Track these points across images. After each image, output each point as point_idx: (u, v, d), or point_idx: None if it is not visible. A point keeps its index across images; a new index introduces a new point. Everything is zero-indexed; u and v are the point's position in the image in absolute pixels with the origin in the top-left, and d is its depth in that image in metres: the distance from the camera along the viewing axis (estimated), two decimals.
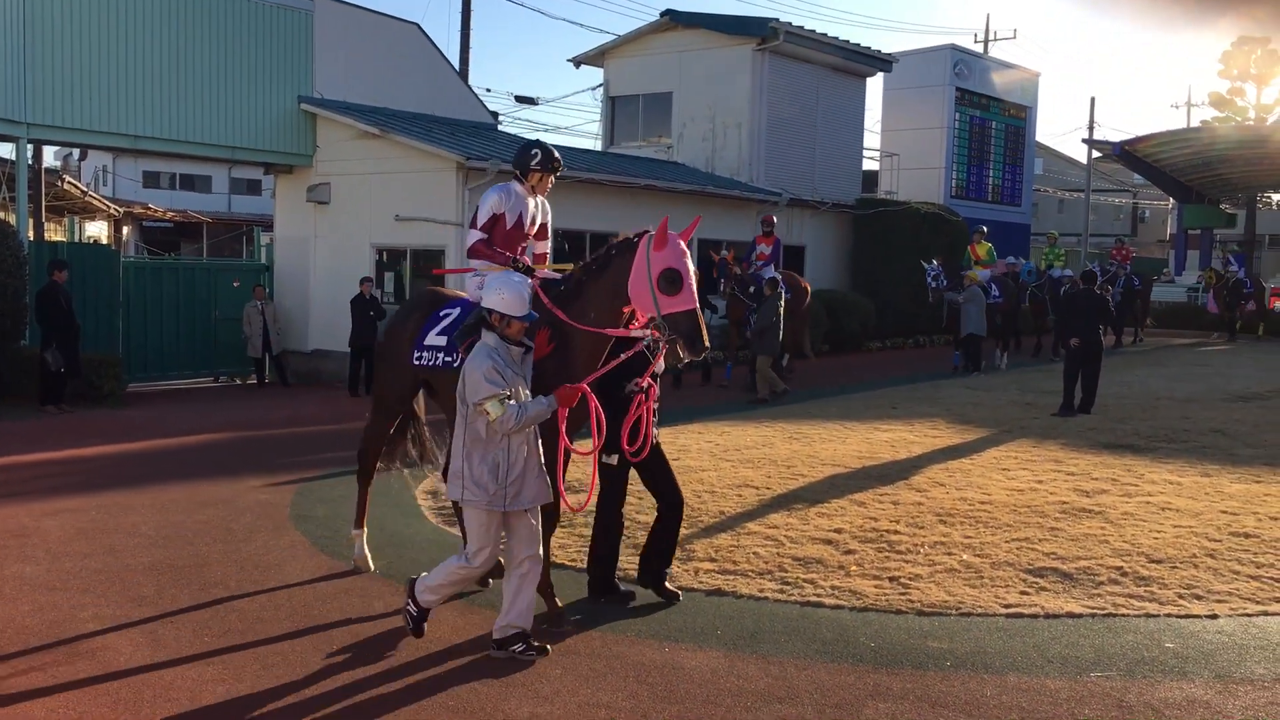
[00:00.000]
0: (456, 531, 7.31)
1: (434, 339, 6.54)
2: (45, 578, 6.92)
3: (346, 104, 19.10)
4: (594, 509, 6.66)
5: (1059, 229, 41.31)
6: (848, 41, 25.72)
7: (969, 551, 7.59)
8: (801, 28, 24.33)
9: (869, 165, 29.79)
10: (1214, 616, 6.32)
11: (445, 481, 7.15)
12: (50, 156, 35.63)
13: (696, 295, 5.62)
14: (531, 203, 6.69)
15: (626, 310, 5.83)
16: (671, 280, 5.54)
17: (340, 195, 18.83)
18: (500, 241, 6.56)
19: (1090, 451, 11.48)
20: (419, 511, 8.89)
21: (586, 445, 5.80)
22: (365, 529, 7.28)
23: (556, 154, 6.65)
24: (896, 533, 8.05)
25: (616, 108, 26.18)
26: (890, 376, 19.07)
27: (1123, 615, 6.33)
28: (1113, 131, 55.68)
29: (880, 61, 26.87)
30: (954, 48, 30.58)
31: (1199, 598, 6.63)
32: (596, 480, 6.14)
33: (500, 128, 23.84)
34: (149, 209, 36.13)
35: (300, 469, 10.69)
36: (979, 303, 18.97)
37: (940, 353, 22.38)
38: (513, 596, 5.59)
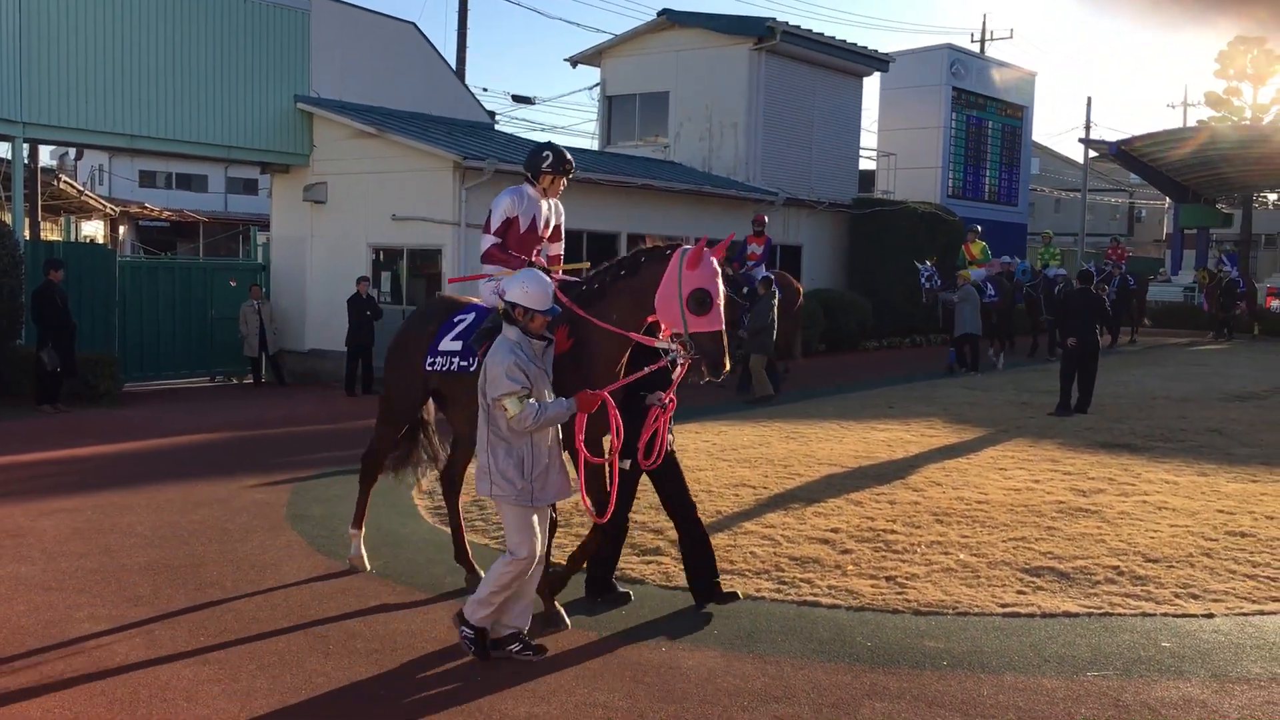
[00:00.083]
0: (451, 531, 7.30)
1: (448, 344, 6.47)
2: (41, 578, 6.91)
3: (343, 103, 19.09)
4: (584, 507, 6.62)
5: (1055, 229, 41.37)
6: (844, 41, 25.73)
7: (966, 551, 7.59)
8: (798, 27, 24.34)
9: (866, 165, 29.83)
10: (1210, 616, 6.32)
11: (443, 480, 7.15)
12: (46, 156, 35.55)
13: (724, 318, 5.58)
14: (544, 205, 6.61)
15: (650, 320, 5.76)
16: (701, 301, 5.48)
17: (337, 195, 18.82)
18: (514, 246, 6.49)
19: (1087, 451, 11.49)
20: (415, 511, 8.89)
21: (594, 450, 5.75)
22: (364, 529, 7.25)
23: (568, 156, 6.57)
24: (893, 532, 8.05)
25: (613, 107, 26.18)
26: (887, 376, 19.08)
27: (1119, 615, 6.34)
28: (1109, 131, 55.78)
29: (877, 61, 26.89)
30: (951, 47, 30.61)
31: (1195, 597, 6.64)
32: (616, 488, 5.93)
33: (497, 127, 23.83)
34: (145, 208, 36.09)
35: (297, 468, 10.68)
36: (973, 302, 18.98)
37: (937, 352, 22.38)
38: (490, 586, 5.56)
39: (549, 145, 6.68)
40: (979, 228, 22.90)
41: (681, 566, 7.10)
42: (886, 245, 25.00)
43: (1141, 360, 22.23)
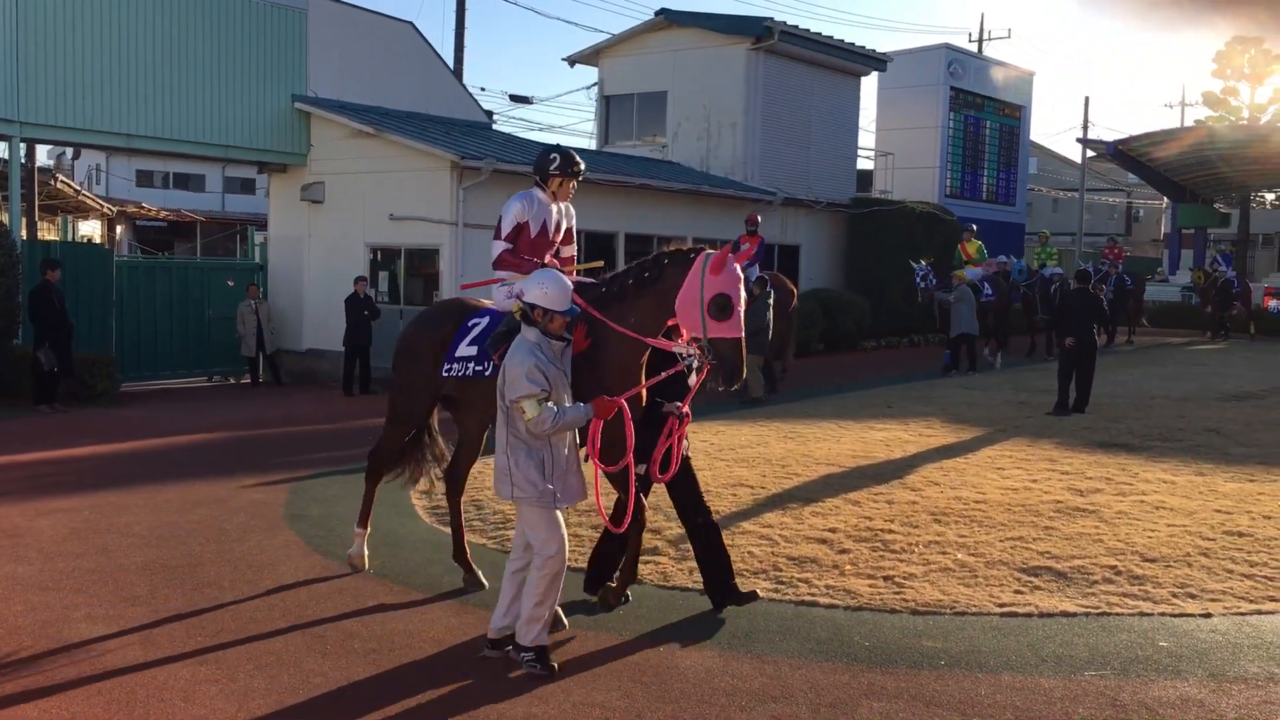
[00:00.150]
0: (450, 532, 7.29)
1: (465, 349, 6.41)
2: (38, 578, 6.90)
3: (341, 103, 19.08)
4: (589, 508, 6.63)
5: (1053, 228, 41.38)
6: (843, 41, 25.73)
7: (963, 551, 7.59)
8: (796, 27, 24.34)
9: (864, 164, 29.84)
10: (1208, 615, 6.33)
11: (446, 480, 7.11)
12: (43, 155, 35.52)
13: (743, 325, 5.54)
14: (554, 209, 6.56)
15: (670, 323, 5.72)
16: (723, 307, 5.44)
17: (334, 194, 18.81)
18: (526, 251, 6.44)
19: (1085, 450, 11.50)
20: (413, 511, 8.88)
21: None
22: (368, 529, 7.23)
23: (577, 158, 6.53)
24: (891, 532, 8.05)
25: (611, 107, 26.17)
26: (885, 376, 19.09)
27: (1117, 614, 6.34)
28: (1107, 131, 55.85)
29: (875, 61, 26.89)
30: (948, 47, 30.62)
31: (1193, 597, 6.64)
32: (633, 498, 5.82)
33: (495, 127, 23.84)
34: (142, 208, 36.04)
35: (294, 468, 10.67)
36: (969, 302, 18.98)
37: (935, 352, 22.38)
38: (511, 598, 5.56)
39: (557, 148, 6.63)
40: (974, 227, 22.92)
41: (680, 567, 7.11)
42: (884, 245, 25.02)
43: (1139, 360, 22.24)
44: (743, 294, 5.55)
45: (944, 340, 20.28)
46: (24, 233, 19.26)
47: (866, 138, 31.47)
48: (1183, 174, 34.02)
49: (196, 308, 18.72)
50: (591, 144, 27.19)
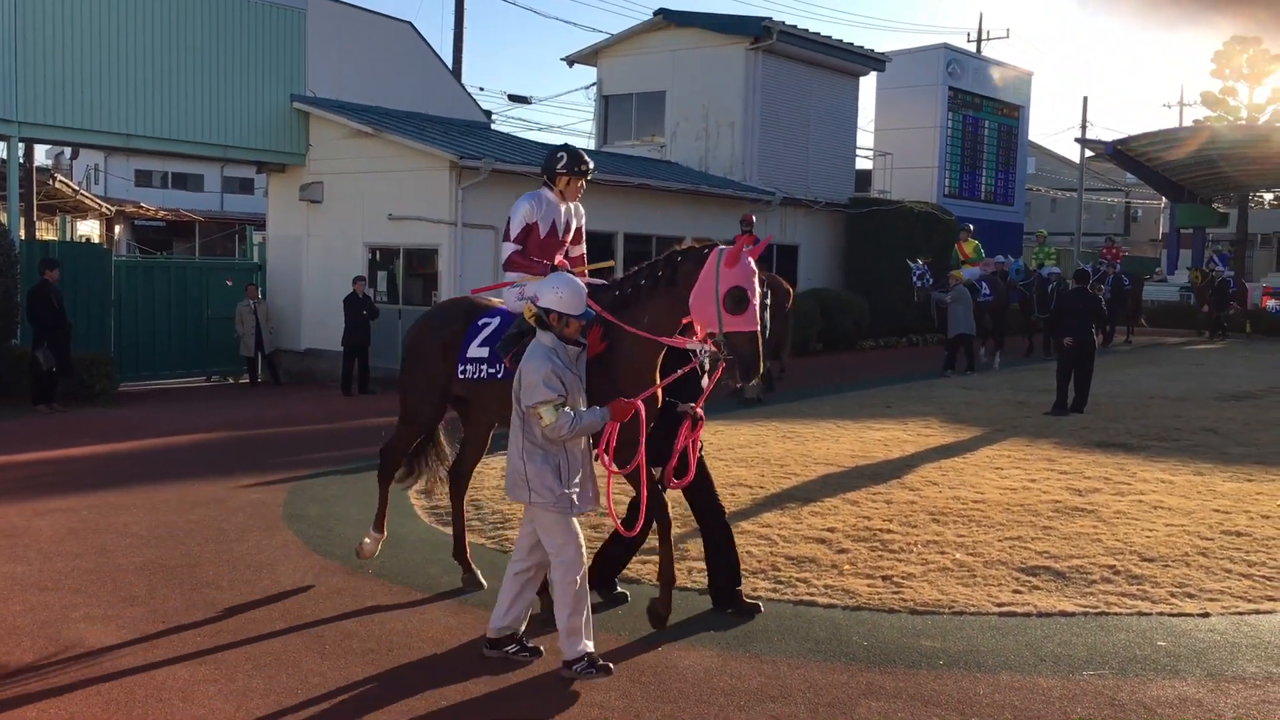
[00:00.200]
0: (449, 531, 7.30)
1: (476, 350, 6.35)
2: (36, 577, 6.90)
3: (339, 103, 19.08)
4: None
5: (1052, 228, 41.40)
6: (841, 41, 25.74)
7: (962, 550, 7.60)
8: (795, 27, 24.35)
9: (862, 164, 29.85)
10: (1206, 615, 6.33)
11: (450, 478, 7.08)
12: (41, 155, 35.52)
13: (759, 319, 5.50)
14: (563, 208, 6.50)
15: (685, 321, 5.67)
16: (738, 300, 5.39)
17: (333, 194, 18.81)
18: (535, 251, 6.39)
19: (1083, 450, 11.50)
20: (412, 511, 8.88)
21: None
22: (385, 533, 7.14)
23: (584, 156, 6.46)
24: (890, 532, 8.05)
25: (610, 107, 26.18)
26: (884, 376, 19.09)
27: (1115, 614, 6.34)
28: (1105, 131, 55.87)
29: (873, 61, 26.90)
30: (947, 47, 30.63)
31: (1191, 596, 6.65)
32: (645, 500, 5.76)
33: (494, 126, 23.83)
34: (141, 208, 36.03)
35: (293, 468, 10.67)
36: (965, 303, 18.98)
37: (934, 352, 22.39)
38: (512, 598, 5.54)
39: (564, 147, 6.57)
40: (971, 226, 22.93)
41: (678, 567, 7.09)
42: (883, 245, 25.03)
43: (1137, 360, 22.26)
44: (758, 288, 5.50)
45: (942, 340, 20.29)
46: (22, 232, 19.28)
47: (865, 138, 31.49)
48: (1181, 174, 34.04)
49: (195, 308, 18.72)
50: (590, 144, 27.18)
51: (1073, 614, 6.32)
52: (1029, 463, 10.80)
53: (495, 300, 6.74)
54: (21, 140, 17.27)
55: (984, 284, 20.63)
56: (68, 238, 27.87)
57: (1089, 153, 39.25)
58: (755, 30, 23.81)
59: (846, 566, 7.21)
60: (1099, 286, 20.22)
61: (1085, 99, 49.71)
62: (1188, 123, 46.82)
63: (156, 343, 18.15)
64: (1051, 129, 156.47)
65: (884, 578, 6.96)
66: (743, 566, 7.10)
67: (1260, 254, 43.27)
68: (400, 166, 17.82)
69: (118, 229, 35.00)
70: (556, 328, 5.33)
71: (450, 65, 27.06)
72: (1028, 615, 6.30)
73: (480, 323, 6.44)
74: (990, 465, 10.69)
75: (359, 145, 18.21)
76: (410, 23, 21.05)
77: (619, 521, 5.88)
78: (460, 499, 6.97)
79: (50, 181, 28.10)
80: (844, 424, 13.25)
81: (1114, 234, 43.12)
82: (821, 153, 25.86)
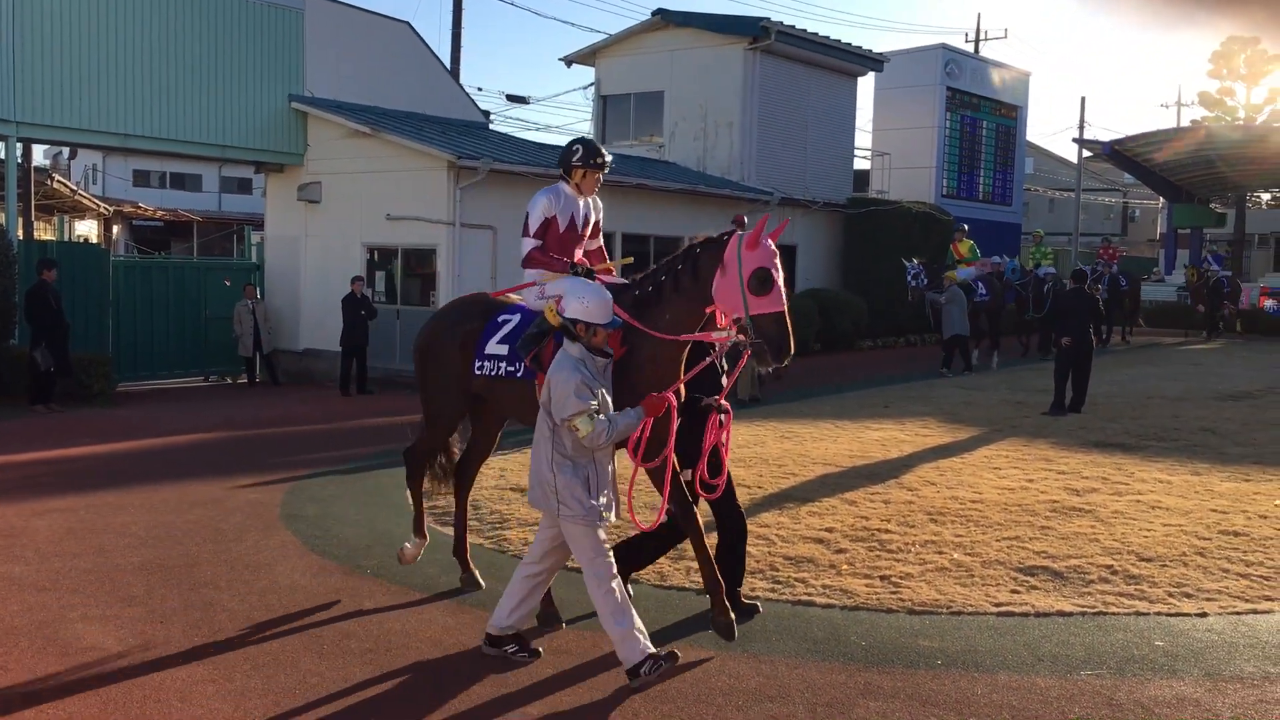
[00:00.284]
0: (448, 531, 7.29)
1: (495, 348, 6.23)
2: (34, 578, 6.90)
3: (337, 103, 19.08)
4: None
5: (1049, 228, 41.41)
6: (839, 41, 25.75)
7: (960, 550, 7.60)
8: (793, 27, 24.36)
9: (860, 165, 29.86)
10: (1203, 615, 6.34)
11: (456, 476, 6.95)
12: (40, 155, 35.52)
13: (785, 299, 5.45)
14: (582, 202, 6.43)
15: (709, 310, 5.60)
16: (763, 280, 5.31)
17: (331, 194, 18.80)
18: (555, 246, 6.30)
19: (1081, 450, 11.51)
20: (410, 511, 8.85)
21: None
22: (427, 537, 6.97)
23: (601, 149, 6.37)
24: (888, 531, 8.06)
25: (608, 107, 26.18)
26: (882, 375, 19.11)
27: (1113, 614, 6.35)
28: (1103, 131, 55.87)
29: (872, 61, 26.91)
30: (945, 47, 30.65)
31: (1189, 596, 6.65)
32: (667, 496, 5.67)
33: (492, 127, 23.83)
34: (139, 208, 36.02)
35: (291, 468, 10.67)
36: (960, 303, 18.99)
37: (932, 352, 22.40)
38: (519, 600, 5.51)
39: (580, 140, 6.48)
40: (966, 226, 22.93)
41: (677, 567, 7.10)
42: (881, 245, 25.04)
43: (1135, 360, 22.27)
44: (780, 269, 5.43)
45: (938, 341, 20.30)
46: (20, 232, 19.28)
47: (863, 138, 31.51)
48: (1179, 174, 34.08)
49: (193, 307, 18.71)
50: None
51: (1070, 614, 6.33)
52: (1027, 463, 10.81)
53: (514, 298, 6.64)
54: (20, 140, 17.27)
55: (980, 284, 20.63)
56: (66, 238, 27.87)
57: (1087, 153, 39.30)
58: (753, 30, 23.82)
59: (844, 566, 7.21)
60: (1096, 286, 20.24)
61: (1083, 99, 49.63)
62: (1185, 123, 46.88)
63: (155, 343, 18.14)
64: (1049, 129, 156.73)
65: (882, 578, 6.96)
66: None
67: (1258, 254, 43.30)
68: (398, 166, 17.82)
69: (116, 229, 34.99)
70: (584, 337, 5.27)
71: (448, 65, 27.06)
72: (1025, 615, 6.30)
73: (499, 319, 6.34)
74: (988, 465, 10.70)
75: (357, 145, 18.21)
76: (408, 23, 21.07)
77: (634, 515, 5.73)
78: (464, 498, 6.93)
79: (48, 181, 28.10)
80: (842, 424, 13.25)
81: (1111, 234, 43.16)
82: (820, 153, 25.87)
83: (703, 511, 6.02)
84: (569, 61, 26.97)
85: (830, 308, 23.41)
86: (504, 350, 6.20)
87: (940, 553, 7.53)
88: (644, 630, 5.25)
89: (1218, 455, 11.30)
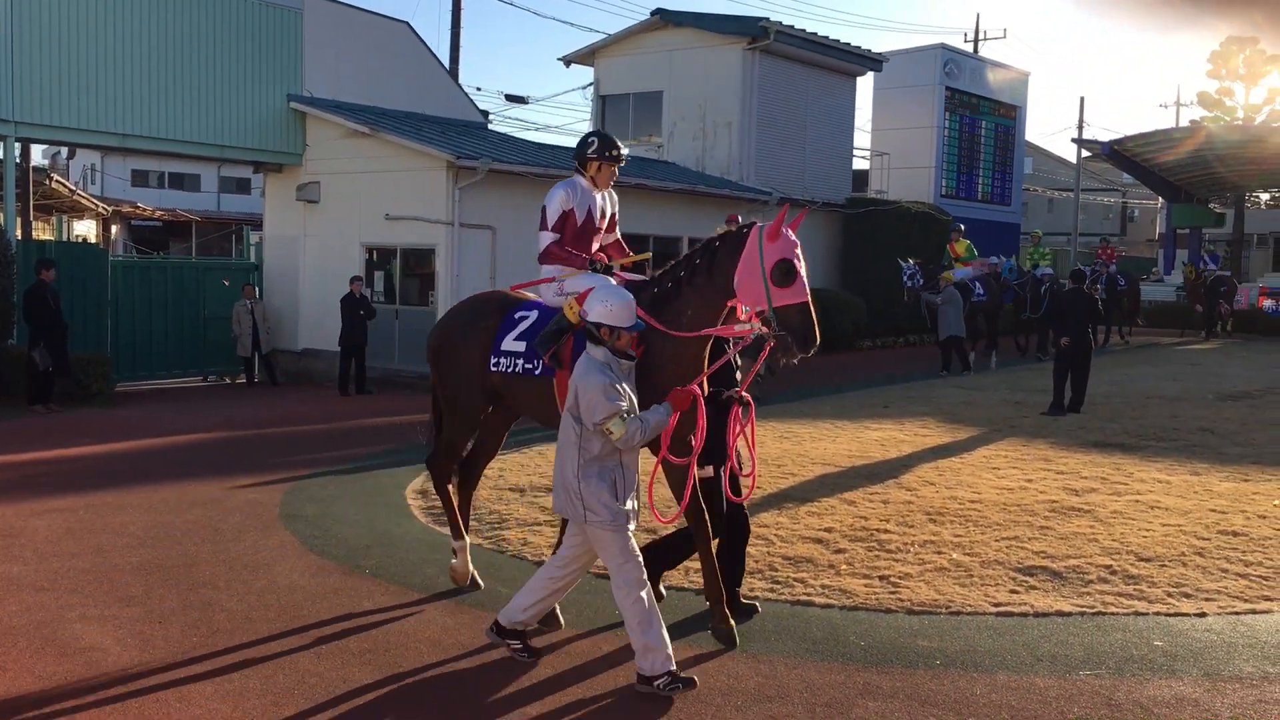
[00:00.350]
0: (446, 531, 7.28)
1: (511, 344, 6.15)
2: (33, 578, 6.89)
3: (336, 103, 19.07)
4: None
5: (1048, 228, 41.42)
6: (838, 41, 25.75)
7: (959, 550, 7.60)
8: (792, 27, 24.36)
9: (859, 164, 29.86)
10: (1202, 615, 6.34)
11: (460, 472, 6.87)
12: (38, 155, 35.51)
13: (808, 289, 5.40)
14: (598, 196, 6.37)
15: (730, 304, 5.54)
16: (786, 272, 5.27)
17: (330, 194, 18.80)
18: (571, 241, 6.24)
19: (1080, 450, 11.51)
20: (408, 511, 8.87)
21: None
22: (467, 539, 6.75)
23: (616, 141, 6.33)
24: (886, 531, 8.06)
25: (607, 107, 26.18)
26: (882, 375, 19.11)
27: (1112, 614, 6.35)
28: (1102, 131, 55.91)
29: (870, 61, 26.92)
30: (944, 47, 30.65)
31: (1188, 596, 6.65)
32: (690, 488, 5.65)
33: (490, 126, 23.83)
34: (137, 208, 36.01)
35: (290, 468, 10.66)
36: (956, 304, 18.98)
37: (932, 352, 22.39)
38: (536, 599, 5.46)
39: (596, 132, 6.44)
40: (962, 226, 22.92)
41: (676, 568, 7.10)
42: (880, 245, 25.03)
43: (1134, 360, 22.28)
44: (802, 258, 5.39)
45: (935, 342, 20.30)
46: (19, 232, 19.27)
47: (862, 138, 31.52)
48: (1178, 174, 34.08)
49: (192, 307, 18.70)
50: None
51: (1069, 614, 6.33)
52: (1026, 463, 10.81)
53: (529, 294, 6.56)
54: (18, 140, 17.27)
55: (977, 284, 20.62)
56: (64, 238, 27.83)
57: (1086, 153, 39.29)
58: (752, 30, 23.82)
59: (844, 566, 7.21)
60: (1095, 286, 20.23)
61: (1082, 99, 49.68)
62: (1184, 123, 46.85)
63: (153, 343, 18.14)
64: (1048, 129, 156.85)
65: (881, 578, 6.96)
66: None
67: (1257, 254, 43.30)
68: (397, 166, 17.81)
69: (114, 229, 34.99)
70: (608, 341, 5.20)
71: (447, 65, 27.06)
72: (1024, 615, 6.30)
73: (516, 316, 6.27)
74: (987, 465, 10.70)
75: (356, 145, 18.20)
76: (407, 23, 21.08)
77: (655, 509, 5.67)
78: (469, 495, 6.89)
79: (47, 181, 28.10)
80: (841, 424, 13.25)
81: (1110, 234, 43.17)
82: (819, 153, 25.87)
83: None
84: (568, 61, 26.97)
85: (829, 308, 23.34)
86: (521, 347, 6.12)
87: (939, 553, 7.53)
88: (669, 643, 5.17)
89: (1217, 455, 11.30)
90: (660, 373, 5.54)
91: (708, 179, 23.09)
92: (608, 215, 6.48)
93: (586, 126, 27.96)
